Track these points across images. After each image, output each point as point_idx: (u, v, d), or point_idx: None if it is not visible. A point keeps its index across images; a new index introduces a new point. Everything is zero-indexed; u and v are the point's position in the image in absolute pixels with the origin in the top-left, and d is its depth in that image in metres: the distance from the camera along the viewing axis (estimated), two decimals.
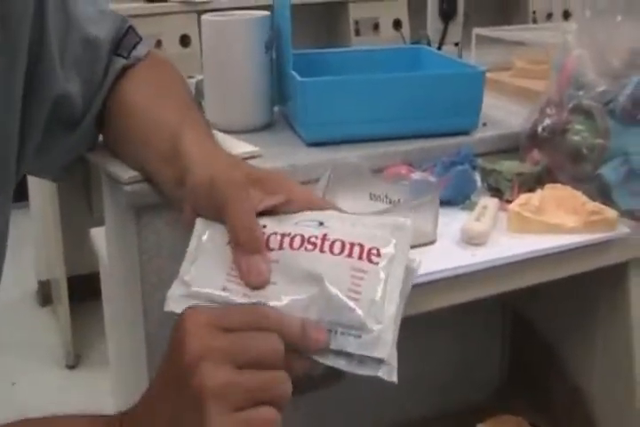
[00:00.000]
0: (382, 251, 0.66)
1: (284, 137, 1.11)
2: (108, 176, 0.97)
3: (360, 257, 0.66)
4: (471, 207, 0.99)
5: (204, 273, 0.69)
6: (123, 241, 1.03)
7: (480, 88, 1.09)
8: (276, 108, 1.18)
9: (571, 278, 0.98)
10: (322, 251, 0.66)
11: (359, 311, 0.63)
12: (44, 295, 3.00)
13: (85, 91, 0.90)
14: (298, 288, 0.65)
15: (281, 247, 0.68)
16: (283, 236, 0.68)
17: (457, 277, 0.87)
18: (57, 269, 2.61)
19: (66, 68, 0.87)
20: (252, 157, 1.01)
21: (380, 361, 0.63)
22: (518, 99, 1.28)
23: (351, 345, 0.63)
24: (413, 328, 1.20)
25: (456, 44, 1.44)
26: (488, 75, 1.34)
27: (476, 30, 1.40)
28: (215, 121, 1.11)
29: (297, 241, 0.68)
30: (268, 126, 1.15)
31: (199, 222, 0.73)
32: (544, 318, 1.22)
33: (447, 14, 1.42)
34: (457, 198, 1.01)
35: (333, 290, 0.64)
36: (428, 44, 1.41)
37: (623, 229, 0.96)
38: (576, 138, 1.03)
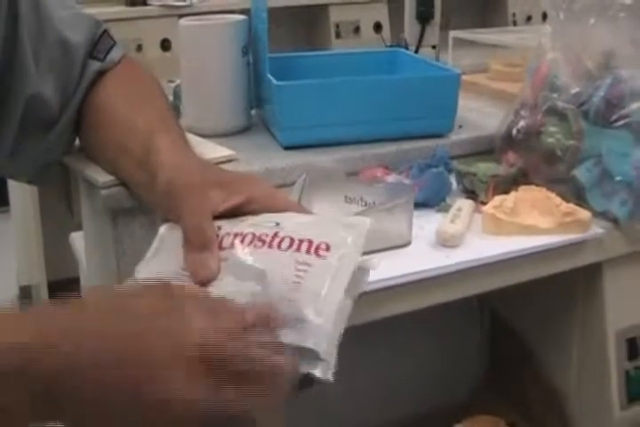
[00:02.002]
0: (332, 246, 0.65)
1: (261, 141, 1.12)
2: (85, 180, 0.97)
3: (308, 251, 0.65)
4: (446, 209, 0.99)
5: (156, 272, 0.70)
6: (100, 245, 1.03)
7: (455, 91, 1.10)
8: (253, 112, 1.19)
9: (548, 278, 0.99)
10: (270, 247, 0.66)
11: (299, 303, 0.62)
12: (25, 301, 2.98)
13: (61, 93, 0.90)
14: (242, 284, 0.65)
15: (232, 246, 0.68)
16: (235, 235, 0.69)
17: (430, 279, 0.87)
18: (37, 274, 2.60)
19: (40, 70, 0.87)
20: (229, 161, 1.02)
21: (316, 357, 0.61)
22: (494, 101, 1.29)
23: (288, 336, 0.61)
24: (391, 328, 1.21)
25: (433, 47, 1.45)
26: (465, 77, 1.35)
27: (453, 33, 1.40)
28: (192, 125, 1.11)
29: (247, 239, 0.68)
30: (245, 130, 1.15)
31: (163, 226, 0.74)
32: (522, 318, 1.23)
33: (424, 17, 1.43)
34: (432, 201, 1.01)
35: (275, 284, 0.64)
36: (406, 46, 1.42)
37: (597, 229, 0.97)
38: (550, 140, 1.04)
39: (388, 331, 1.21)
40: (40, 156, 0.95)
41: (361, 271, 0.67)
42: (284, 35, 3.06)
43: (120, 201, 0.92)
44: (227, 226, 0.70)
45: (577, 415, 1.13)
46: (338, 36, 3.04)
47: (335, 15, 3.03)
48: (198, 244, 0.69)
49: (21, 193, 2.59)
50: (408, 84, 1.08)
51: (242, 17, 1.10)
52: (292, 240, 0.66)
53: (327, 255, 0.64)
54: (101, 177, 0.92)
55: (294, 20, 3.14)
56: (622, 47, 1.03)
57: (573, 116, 1.02)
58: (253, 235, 0.68)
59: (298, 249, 0.65)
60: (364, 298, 0.83)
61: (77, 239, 1.48)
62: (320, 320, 0.61)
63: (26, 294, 2.96)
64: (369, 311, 0.84)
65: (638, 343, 1.07)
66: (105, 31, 0.95)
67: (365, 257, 0.68)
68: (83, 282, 1.38)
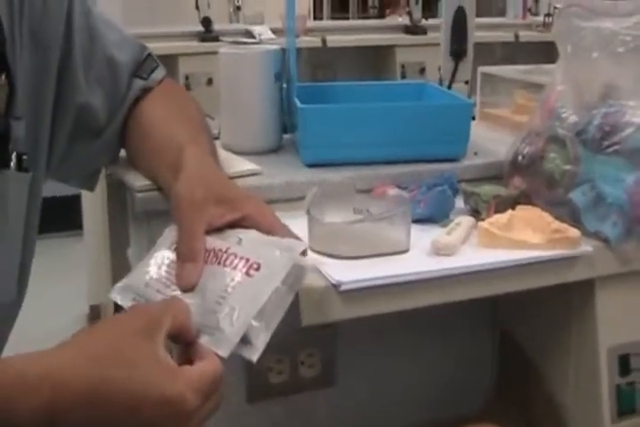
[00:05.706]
0: (262, 266, 0.78)
1: (288, 159, 1.22)
2: (126, 186, 1.08)
3: (241, 270, 0.78)
4: (449, 225, 1.08)
5: (141, 269, 0.84)
6: (138, 248, 1.15)
7: (467, 118, 1.19)
8: (287, 136, 1.30)
9: (549, 295, 1.05)
10: (219, 264, 0.80)
11: (218, 315, 0.75)
12: (95, 319, 3.13)
13: (108, 105, 1.03)
14: (192, 297, 0.78)
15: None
16: (205, 251, 0.82)
17: (417, 281, 0.95)
18: (105, 293, 2.73)
19: (90, 83, 1.01)
20: (253, 175, 1.13)
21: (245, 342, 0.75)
22: (515, 132, 1.37)
23: (207, 343, 0.74)
24: (404, 340, 1.29)
25: (466, 83, 1.54)
26: (491, 110, 1.44)
27: (482, 69, 1.49)
28: (228, 143, 1.23)
29: (211, 256, 0.81)
30: (275, 150, 1.27)
31: (167, 230, 0.88)
32: (527, 334, 1.28)
33: (457, 54, 1.52)
34: (437, 217, 1.09)
35: (210, 298, 0.77)
36: (440, 82, 1.51)
37: (585, 247, 1.04)
38: (550, 165, 1.12)
39: (401, 341, 1.30)
40: (88, 162, 1.07)
41: (300, 269, 0.80)
42: (352, 71, 3.18)
43: (154, 204, 1.02)
44: (209, 241, 0.83)
45: None
46: (403, 76, 3.16)
47: (401, 56, 3.15)
48: (185, 255, 0.82)
49: (93, 218, 2.74)
50: (422, 110, 1.17)
51: (275, 47, 1.22)
52: (234, 257, 0.79)
53: (255, 274, 0.77)
54: (138, 182, 1.04)
55: (363, 59, 3.26)
56: (622, 80, 1.11)
57: (571, 143, 1.10)
58: (214, 251, 0.81)
59: (235, 266, 0.79)
60: (354, 294, 0.93)
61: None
62: (232, 329, 0.74)
63: (95, 312, 3.11)
64: (354, 308, 0.93)
65: (630, 360, 1.13)
66: (149, 54, 1.08)
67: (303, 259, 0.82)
68: None
